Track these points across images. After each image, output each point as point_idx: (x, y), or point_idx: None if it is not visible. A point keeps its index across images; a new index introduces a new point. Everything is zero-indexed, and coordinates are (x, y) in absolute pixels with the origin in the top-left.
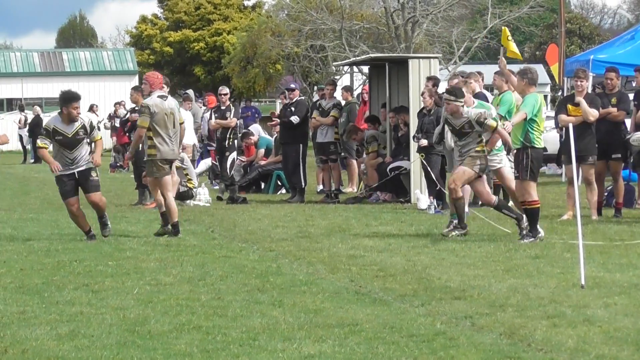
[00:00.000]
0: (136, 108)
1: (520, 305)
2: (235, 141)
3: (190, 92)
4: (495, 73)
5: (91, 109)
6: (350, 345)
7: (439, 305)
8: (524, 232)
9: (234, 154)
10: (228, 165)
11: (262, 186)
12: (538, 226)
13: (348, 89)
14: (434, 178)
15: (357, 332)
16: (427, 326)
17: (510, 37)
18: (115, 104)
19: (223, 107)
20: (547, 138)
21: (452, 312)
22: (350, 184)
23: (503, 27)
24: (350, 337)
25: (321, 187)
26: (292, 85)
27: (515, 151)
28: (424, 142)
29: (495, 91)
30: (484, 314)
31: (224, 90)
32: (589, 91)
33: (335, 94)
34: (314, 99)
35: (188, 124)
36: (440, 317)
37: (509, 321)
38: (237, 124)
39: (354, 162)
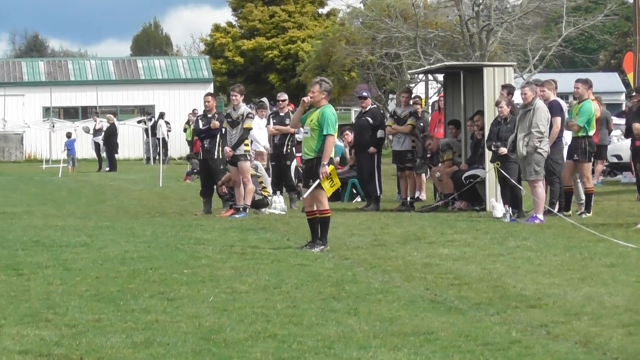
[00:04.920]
0: (209, 115)
1: (595, 313)
2: (294, 148)
3: (265, 100)
4: (578, 81)
5: (162, 116)
6: (426, 353)
7: (514, 313)
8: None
9: (295, 162)
10: (292, 174)
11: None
12: None
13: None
14: (514, 184)
15: (432, 340)
16: (502, 335)
17: None
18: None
19: (282, 114)
20: (623, 146)
21: (528, 320)
22: (419, 192)
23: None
24: (425, 345)
25: (401, 195)
26: (364, 94)
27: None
28: (504, 150)
29: (571, 99)
30: (559, 323)
31: (283, 96)
32: None
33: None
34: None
35: (262, 132)
36: (515, 325)
37: (584, 330)
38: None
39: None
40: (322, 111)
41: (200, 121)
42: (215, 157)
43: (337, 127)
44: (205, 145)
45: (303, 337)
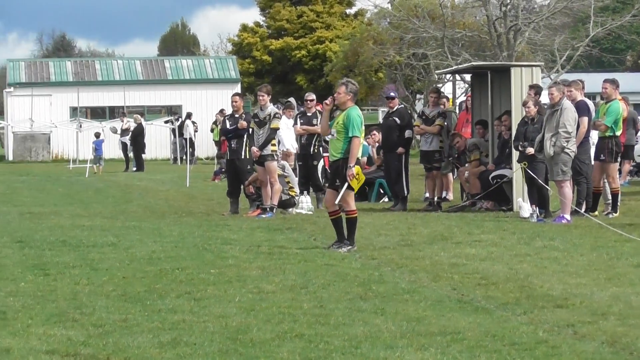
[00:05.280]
0: (236, 115)
1: (622, 313)
2: (321, 148)
3: (292, 100)
4: (606, 81)
5: (189, 117)
6: (453, 353)
7: (541, 313)
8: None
9: (322, 162)
10: (319, 174)
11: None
12: None
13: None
14: (541, 184)
15: (459, 340)
16: (529, 334)
17: None
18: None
19: (309, 114)
20: None
21: (554, 320)
22: (446, 192)
23: None
24: (452, 345)
25: (427, 195)
26: (392, 94)
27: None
28: (531, 150)
29: (598, 99)
30: (586, 323)
31: (310, 96)
32: None
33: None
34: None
35: (289, 132)
36: (542, 325)
37: (611, 329)
38: None
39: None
40: (347, 113)
41: (227, 121)
42: (243, 157)
43: (363, 128)
44: (233, 146)
45: (330, 337)
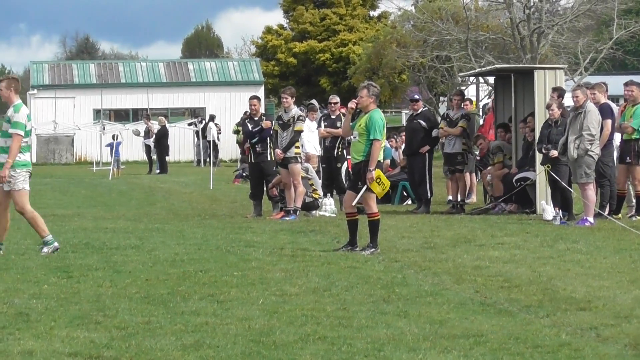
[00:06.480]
0: (255, 118)
1: None
2: (344, 151)
3: (315, 102)
4: (632, 83)
5: (212, 119)
6: (476, 356)
7: (564, 316)
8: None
9: (345, 164)
10: (343, 176)
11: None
12: None
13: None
14: (565, 187)
15: (482, 343)
16: (552, 337)
17: None
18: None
19: (333, 116)
20: None
21: (577, 323)
22: (470, 194)
23: None
24: (475, 348)
25: (450, 197)
26: (416, 96)
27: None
28: (554, 152)
29: (622, 101)
30: (609, 325)
31: (335, 99)
32: None
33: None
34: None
35: (313, 135)
36: (565, 328)
37: (634, 332)
38: None
39: (472, 174)
40: (370, 116)
41: (248, 124)
42: (269, 159)
43: (385, 131)
44: (258, 149)
45: (353, 340)
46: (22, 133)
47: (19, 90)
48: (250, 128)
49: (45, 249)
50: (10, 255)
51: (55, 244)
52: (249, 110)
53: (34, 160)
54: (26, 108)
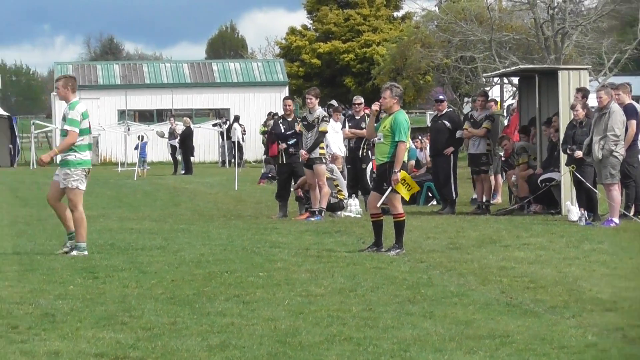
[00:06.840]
0: (289, 119)
1: None
2: (369, 151)
3: (334, 102)
4: None
5: (237, 120)
6: (501, 356)
7: (589, 316)
8: None
9: (371, 165)
10: (368, 177)
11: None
12: None
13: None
14: (589, 187)
15: (508, 343)
16: (578, 338)
17: None
18: (269, 114)
19: (357, 117)
20: None
21: (603, 323)
22: (495, 194)
23: None
24: (501, 348)
25: (475, 196)
26: (441, 97)
27: None
28: (579, 153)
29: None
30: (635, 326)
31: (359, 99)
32: None
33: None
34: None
35: (337, 135)
36: (591, 329)
37: None
38: None
39: (498, 175)
40: (394, 117)
41: (281, 125)
42: (300, 160)
43: (409, 132)
44: (291, 150)
45: (379, 340)
46: (77, 130)
47: (75, 89)
48: (283, 129)
49: (74, 252)
50: (36, 255)
51: (86, 252)
52: (272, 111)
53: (58, 161)
54: (83, 106)
